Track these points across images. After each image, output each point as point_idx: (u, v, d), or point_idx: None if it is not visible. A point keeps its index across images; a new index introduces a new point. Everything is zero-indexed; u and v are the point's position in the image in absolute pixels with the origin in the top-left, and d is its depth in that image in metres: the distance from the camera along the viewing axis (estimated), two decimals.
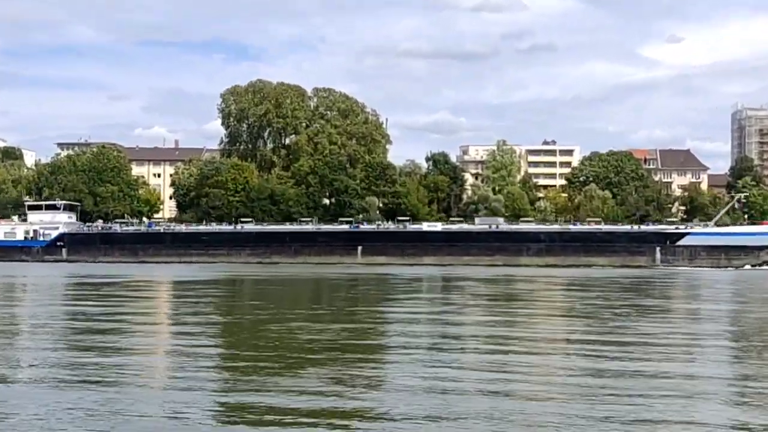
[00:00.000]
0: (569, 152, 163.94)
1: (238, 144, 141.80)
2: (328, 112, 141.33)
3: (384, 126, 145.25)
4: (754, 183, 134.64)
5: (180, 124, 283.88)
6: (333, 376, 16.07)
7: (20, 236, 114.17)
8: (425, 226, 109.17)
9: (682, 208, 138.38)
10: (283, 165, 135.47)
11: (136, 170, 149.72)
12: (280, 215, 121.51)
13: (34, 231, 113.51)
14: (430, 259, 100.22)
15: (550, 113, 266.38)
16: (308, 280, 60.70)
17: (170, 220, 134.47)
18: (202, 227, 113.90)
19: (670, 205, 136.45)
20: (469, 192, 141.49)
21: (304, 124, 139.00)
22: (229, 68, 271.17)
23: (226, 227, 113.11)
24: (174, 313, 32.93)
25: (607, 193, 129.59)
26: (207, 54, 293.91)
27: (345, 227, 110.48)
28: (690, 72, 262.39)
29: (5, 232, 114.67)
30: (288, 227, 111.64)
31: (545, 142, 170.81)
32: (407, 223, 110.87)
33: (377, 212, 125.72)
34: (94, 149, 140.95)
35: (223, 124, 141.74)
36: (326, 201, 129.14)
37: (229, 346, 21.73)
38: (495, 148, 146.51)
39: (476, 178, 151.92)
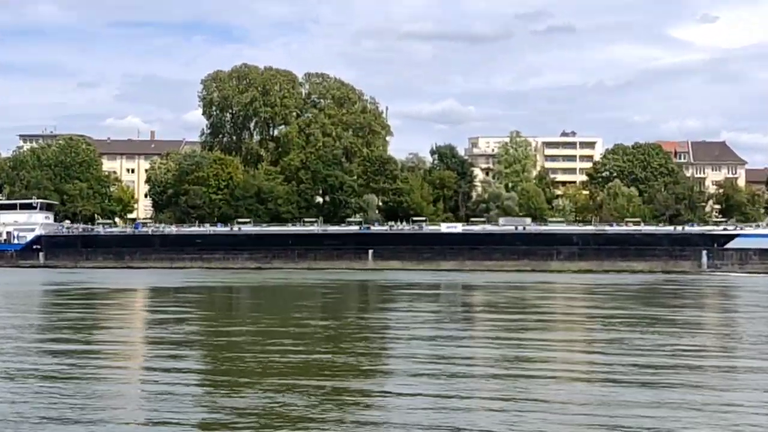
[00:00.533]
0: (590, 145, 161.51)
1: (220, 136, 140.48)
2: (322, 101, 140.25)
3: (384, 116, 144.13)
4: None
5: (156, 114, 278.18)
6: None
7: None
8: (443, 228, 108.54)
9: (717, 206, 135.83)
10: (271, 159, 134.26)
11: (108, 165, 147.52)
12: (268, 215, 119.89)
13: (7, 233, 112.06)
14: (449, 264, 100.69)
15: (570, 102, 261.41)
16: (302, 289, 58.48)
17: (148, 220, 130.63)
18: (196, 229, 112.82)
19: (703, 204, 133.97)
20: (479, 189, 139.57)
21: (294, 114, 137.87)
22: (212, 52, 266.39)
23: (221, 229, 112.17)
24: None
25: (633, 190, 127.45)
26: (186, 36, 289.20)
27: (354, 228, 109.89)
28: (725, 55, 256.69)
29: None
30: (291, 229, 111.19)
31: (564, 134, 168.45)
32: (423, 224, 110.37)
33: (376, 212, 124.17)
34: (61, 142, 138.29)
35: (204, 113, 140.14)
36: (319, 199, 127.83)
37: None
38: (508, 140, 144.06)
39: (487, 174, 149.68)
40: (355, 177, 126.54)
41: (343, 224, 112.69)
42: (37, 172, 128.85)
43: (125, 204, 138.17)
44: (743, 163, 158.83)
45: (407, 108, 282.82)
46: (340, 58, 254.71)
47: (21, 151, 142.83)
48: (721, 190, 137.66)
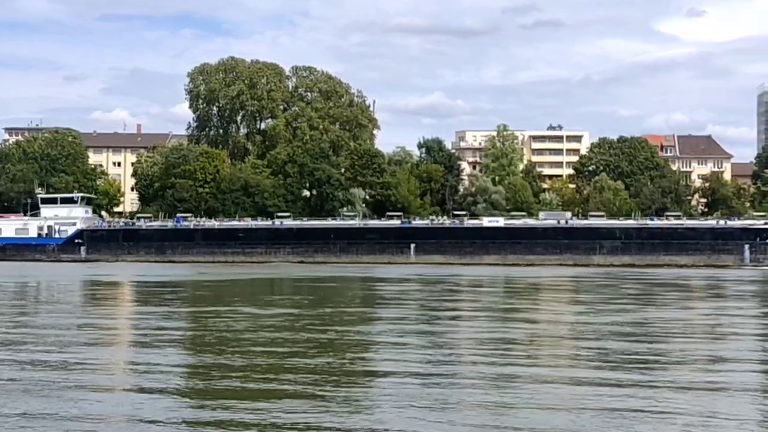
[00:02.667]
0: (577, 138, 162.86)
1: (207, 129, 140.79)
2: (309, 94, 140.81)
3: (371, 109, 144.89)
4: None
5: (143, 108, 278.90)
6: None
7: (33, 233, 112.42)
8: (485, 222, 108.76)
9: (703, 200, 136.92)
10: (258, 152, 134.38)
11: (94, 158, 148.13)
12: (255, 208, 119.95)
13: (49, 227, 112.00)
14: (491, 258, 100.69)
15: (557, 96, 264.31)
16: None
17: (131, 213, 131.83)
18: (237, 223, 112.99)
19: (689, 197, 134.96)
20: (466, 183, 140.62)
21: (281, 107, 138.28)
22: (200, 46, 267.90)
23: (263, 222, 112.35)
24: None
25: (619, 184, 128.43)
26: (174, 29, 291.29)
27: (396, 222, 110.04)
28: (712, 49, 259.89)
29: (16, 229, 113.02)
30: (332, 222, 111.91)
31: (550, 128, 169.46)
32: (464, 218, 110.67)
33: (363, 205, 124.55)
34: (47, 135, 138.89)
35: (191, 107, 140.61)
36: (306, 193, 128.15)
37: None
38: (495, 133, 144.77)
39: (474, 168, 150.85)
40: (342, 170, 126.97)
41: (383, 218, 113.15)
42: (23, 165, 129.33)
43: (111, 197, 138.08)
44: (729, 156, 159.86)
45: (395, 102, 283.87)
46: (328, 52, 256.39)
47: (7, 144, 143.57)
48: (707, 184, 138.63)
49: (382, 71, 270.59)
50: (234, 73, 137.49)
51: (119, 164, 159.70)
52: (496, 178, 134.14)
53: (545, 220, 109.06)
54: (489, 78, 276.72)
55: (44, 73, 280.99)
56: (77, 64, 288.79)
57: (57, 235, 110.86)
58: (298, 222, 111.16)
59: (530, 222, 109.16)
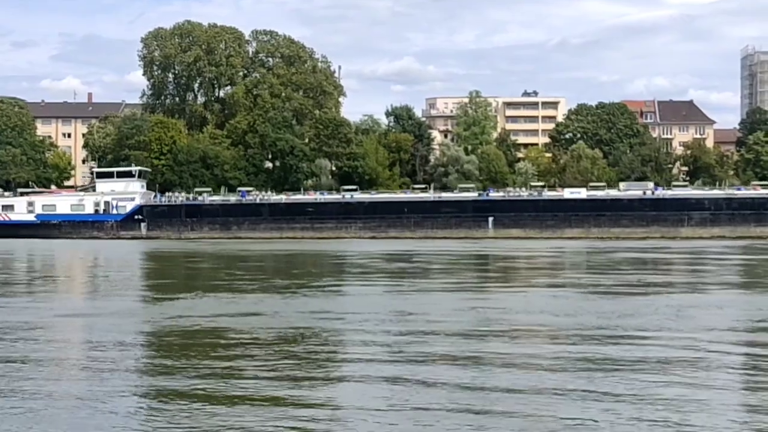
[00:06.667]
0: (553, 105, 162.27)
1: (163, 97, 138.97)
2: (270, 59, 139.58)
3: (336, 75, 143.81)
4: (767, 139, 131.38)
5: (97, 76, 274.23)
6: None
7: (90, 209, 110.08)
8: (566, 193, 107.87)
9: (684, 168, 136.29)
10: (217, 122, 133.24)
11: (42, 129, 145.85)
12: (214, 181, 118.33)
13: (105, 203, 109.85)
14: (574, 231, 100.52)
15: (534, 61, 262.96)
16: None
17: (83, 187, 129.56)
18: (305, 196, 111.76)
19: (670, 165, 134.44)
20: (438, 152, 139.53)
21: (241, 74, 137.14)
22: (158, 9, 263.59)
23: (332, 196, 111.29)
24: None
25: (597, 152, 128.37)
26: None
27: (473, 195, 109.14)
28: (695, 11, 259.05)
29: (72, 205, 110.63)
30: (406, 196, 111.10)
31: (525, 94, 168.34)
32: (543, 190, 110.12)
33: (329, 177, 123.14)
34: None
35: (145, 74, 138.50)
36: (269, 164, 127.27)
37: None
38: (467, 100, 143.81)
39: (445, 136, 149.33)
40: (307, 141, 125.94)
41: (456, 191, 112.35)
42: None
43: (62, 170, 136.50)
44: (712, 122, 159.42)
45: (362, 67, 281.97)
46: (293, 14, 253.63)
47: None
48: (688, 152, 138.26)
49: (348, 35, 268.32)
50: (190, 38, 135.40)
51: (69, 135, 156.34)
52: (469, 148, 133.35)
53: (627, 190, 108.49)
54: (462, 42, 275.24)
55: None
56: (25, 29, 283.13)
57: (115, 211, 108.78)
58: (369, 195, 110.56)
59: (614, 193, 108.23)
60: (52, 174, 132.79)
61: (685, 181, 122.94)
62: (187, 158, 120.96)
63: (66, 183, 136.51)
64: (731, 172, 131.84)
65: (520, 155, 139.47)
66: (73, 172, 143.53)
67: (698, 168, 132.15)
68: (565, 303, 27.31)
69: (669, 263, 53.56)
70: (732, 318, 24.06)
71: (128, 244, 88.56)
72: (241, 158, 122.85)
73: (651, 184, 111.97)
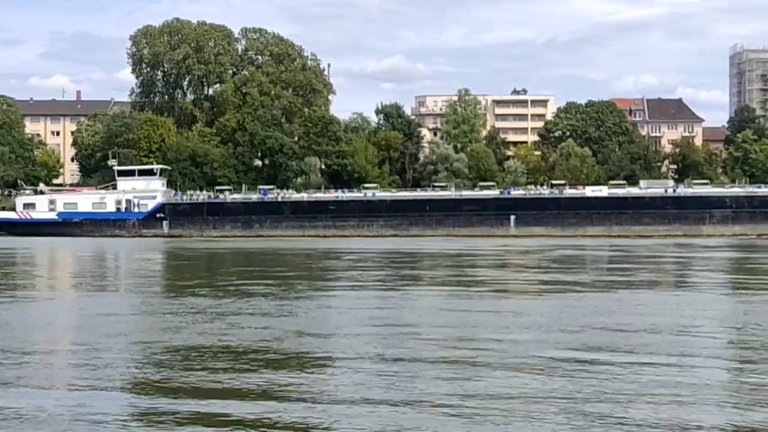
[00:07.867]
0: (543, 103, 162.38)
1: (152, 95, 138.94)
2: (259, 57, 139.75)
3: (326, 73, 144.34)
4: (756, 137, 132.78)
5: (86, 74, 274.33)
6: None
7: (111, 207, 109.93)
8: (588, 191, 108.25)
9: (673, 166, 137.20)
10: (206, 120, 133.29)
11: (31, 127, 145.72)
12: (204, 179, 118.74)
13: (127, 201, 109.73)
14: (595, 229, 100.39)
15: (523, 59, 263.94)
16: None
17: (72, 185, 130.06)
18: (327, 195, 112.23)
19: (659, 163, 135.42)
20: (427, 150, 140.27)
21: (230, 72, 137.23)
22: (148, 7, 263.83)
23: (354, 194, 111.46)
24: None
25: (587, 150, 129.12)
26: None
27: (494, 193, 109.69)
28: (683, 10, 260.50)
29: (93, 203, 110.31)
30: (427, 194, 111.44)
31: (515, 92, 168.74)
32: (564, 188, 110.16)
33: (319, 175, 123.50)
34: None
35: (133, 71, 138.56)
36: (258, 162, 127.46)
37: None
38: (456, 98, 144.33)
39: (435, 135, 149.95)
40: (296, 139, 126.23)
41: (476, 188, 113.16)
42: None
43: (51, 169, 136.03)
44: (700, 120, 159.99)
45: (351, 65, 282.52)
46: (282, 12, 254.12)
47: None
48: (677, 150, 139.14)
49: (337, 32, 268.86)
50: (179, 36, 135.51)
51: (58, 133, 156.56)
52: (458, 146, 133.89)
53: (648, 188, 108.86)
54: (451, 40, 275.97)
55: None
56: (14, 27, 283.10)
57: (136, 210, 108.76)
58: (391, 194, 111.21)
59: (635, 191, 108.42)
60: (41, 172, 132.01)
61: (673, 179, 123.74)
62: (176, 156, 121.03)
63: (54, 181, 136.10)
64: (720, 170, 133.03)
65: (509, 153, 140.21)
66: (61, 170, 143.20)
67: (687, 166, 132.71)
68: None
69: None
70: None
71: (152, 242, 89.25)
72: (231, 156, 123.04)
73: (671, 182, 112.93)
